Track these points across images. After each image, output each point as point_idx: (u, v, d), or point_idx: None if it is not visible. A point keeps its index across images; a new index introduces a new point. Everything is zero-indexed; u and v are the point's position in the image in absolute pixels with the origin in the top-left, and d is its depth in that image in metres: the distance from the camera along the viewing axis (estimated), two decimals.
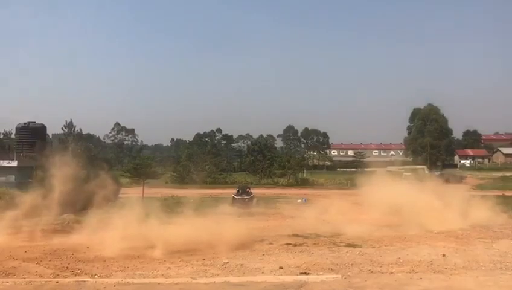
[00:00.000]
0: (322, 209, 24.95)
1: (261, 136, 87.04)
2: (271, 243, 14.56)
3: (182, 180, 56.40)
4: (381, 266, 11.33)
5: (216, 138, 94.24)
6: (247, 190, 33.91)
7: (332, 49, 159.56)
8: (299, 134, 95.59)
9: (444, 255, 12.62)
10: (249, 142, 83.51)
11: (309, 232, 16.44)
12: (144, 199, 26.78)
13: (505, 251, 13.48)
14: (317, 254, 13.01)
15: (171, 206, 22.95)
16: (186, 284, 9.70)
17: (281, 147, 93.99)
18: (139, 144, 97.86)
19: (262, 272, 10.62)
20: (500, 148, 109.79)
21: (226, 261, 11.67)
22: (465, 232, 16.80)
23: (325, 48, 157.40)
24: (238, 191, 33.09)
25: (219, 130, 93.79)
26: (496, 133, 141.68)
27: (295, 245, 14.31)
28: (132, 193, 27.80)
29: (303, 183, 57.79)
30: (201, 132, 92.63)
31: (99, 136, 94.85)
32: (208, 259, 11.91)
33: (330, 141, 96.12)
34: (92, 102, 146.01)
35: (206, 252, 12.56)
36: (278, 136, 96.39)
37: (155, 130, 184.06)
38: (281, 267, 11.10)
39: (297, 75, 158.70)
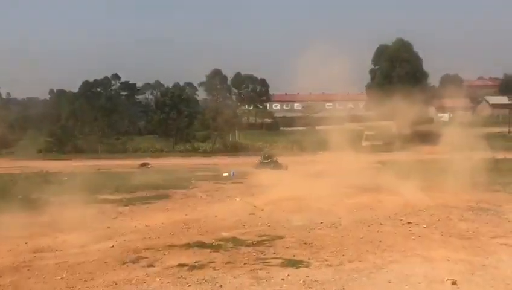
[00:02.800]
0: (256, 188, 23.57)
1: (177, 84, 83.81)
2: (151, 265, 11.26)
3: (61, 148, 52.91)
4: None
5: (113, 87, 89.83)
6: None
7: None
8: (229, 81, 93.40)
9: (454, 284, 9.63)
10: (159, 93, 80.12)
11: (225, 236, 13.38)
12: None
13: None
14: (228, 287, 9.95)
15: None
16: None
17: (205, 100, 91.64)
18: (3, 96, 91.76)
19: None
20: (487, 97, 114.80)
21: None
22: (470, 226, 13.23)
23: None
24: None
25: (116, 77, 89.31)
26: (480, 78, 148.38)
27: (193, 267, 11.07)
28: None
29: (234, 149, 56.26)
30: (92, 80, 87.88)
31: None
32: None
33: (270, 91, 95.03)
34: None
35: None
36: (200, 84, 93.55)
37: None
38: None
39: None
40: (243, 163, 42.35)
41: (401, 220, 13.60)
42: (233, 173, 31.90)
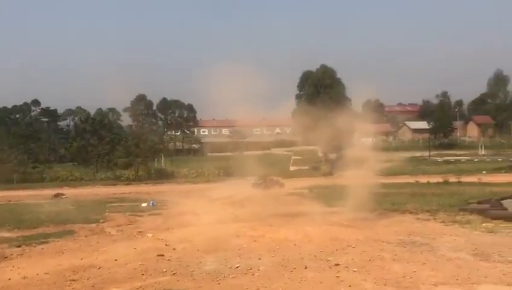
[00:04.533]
0: (175, 219, 21.59)
1: (99, 110, 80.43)
2: None
3: None
4: None
5: (32, 113, 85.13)
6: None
7: None
8: (155, 107, 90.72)
9: None
10: (79, 119, 76.54)
11: None
12: None
13: None
14: None
15: None
16: None
17: (130, 126, 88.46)
18: None
19: None
20: (407, 122, 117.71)
21: None
22: (406, 269, 10.99)
23: None
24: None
25: (36, 103, 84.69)
26: (400, 104, 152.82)
27: None
28: None
29: (158, 177, 53.80)
30: (10, 106, 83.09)
31: None
32: None
33: (198, 117, 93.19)
34: None
35: None
36: (125, 109, 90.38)
37: None
38: None
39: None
40: (168, 190, 40.12)
41: (328, 261, 11.61)
42: (152, 202, 29.51)
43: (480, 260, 10.66)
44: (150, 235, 17.48)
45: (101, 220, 22.31)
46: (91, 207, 28.55)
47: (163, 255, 13.50)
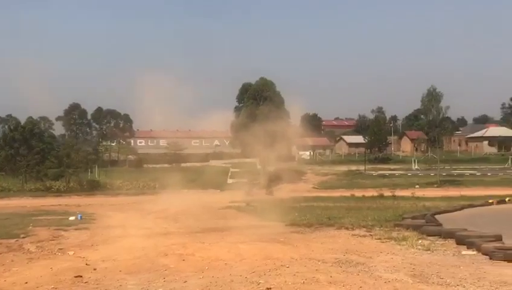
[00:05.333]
0: (101, 235, 20.18)
1: (30, 118, 76.84)
2: None
3: None
4: None
5: None
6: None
7: None
8: (89, 116, 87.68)
9: None
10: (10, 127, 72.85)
11: None
12: None
13: None
14: None
15: None
16: None
17: (63, 135, 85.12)
18: None
19: None
20: (344, 136, 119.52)
21: None
22: None
23: None
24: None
25: None
26: (337, 119, 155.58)
27: None
28: None
29: (91, 188, 51.68)
30: None
31: None
32: None
33: (135, 127, 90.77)
34: None
35: None
36: (58, 118, 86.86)
37: None
38: None
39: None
40: (100, 203, 38.52)
41: (259, 284, 10.71)
42: (80, 216, 27.84)
43: (418, 281, 10.08)
44: (71, 253, 16.03)
45: (22, 235, 20.54)
46: (15, 220, 26.53)
47: (81, 277, 12.20)
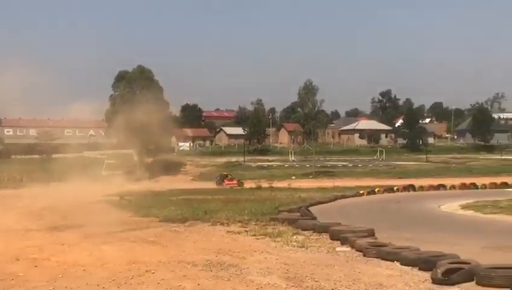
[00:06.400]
0: None
1: None
2: None
3: None
4: None
5: None
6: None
7: None
8: None
9: None
10: None
11: None
12: None
13: None
14: None
15: None
16: None
17: None
18: None
19: None
20: (224, 128, 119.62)
21: None
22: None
23: None
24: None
25: None
26: (217, 110, 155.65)
27: None
28: None
29: None
30: None
31: None
32: None
33: (1, 115, 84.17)
34: None
35: None
36: None
37: None
38: None
39: None
40: None
41: None
42: None
43: (292, 286, 9.34)
44: None
45: None
46: None
47: None
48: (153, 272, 10.92)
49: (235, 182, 51.11)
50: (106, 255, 13.15)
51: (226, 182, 51.22)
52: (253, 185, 44.74)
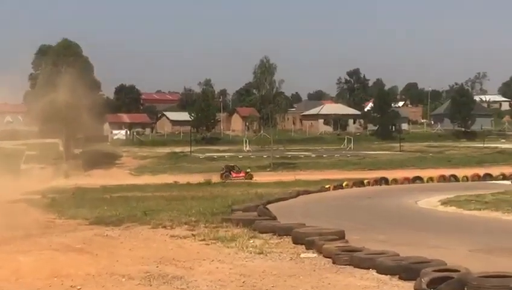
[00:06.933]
0: None
1: None
2: None
3: None
4: None
5: None
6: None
7: None
8: None
9: None
10: None
11: None
12: None
13: None
14: None
15: None
16: None
17: None
18: None
19: None
20: (167, 113, 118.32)
21: None
22: None
23: None
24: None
25: None
26: (159, 92, 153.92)
27: None
28: None
29: None
30: None
31: None
32: None
33: None
34: None
35: None
36: None
37: None
38: None
39: None
40: None
41: None
42: None
43: None
44: None
45: None
46: None
47: None
48: (79, 287, 10.38)
49: (243, 174, 51.42)
50: (23, 267, 12.50)
51: (233, 174, 51.38)
52: (202, 180, 44.44)
